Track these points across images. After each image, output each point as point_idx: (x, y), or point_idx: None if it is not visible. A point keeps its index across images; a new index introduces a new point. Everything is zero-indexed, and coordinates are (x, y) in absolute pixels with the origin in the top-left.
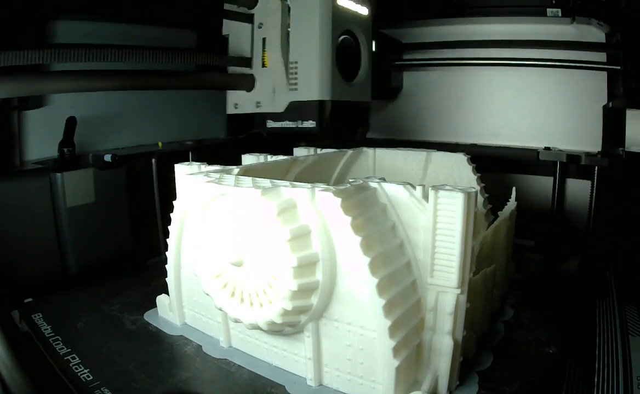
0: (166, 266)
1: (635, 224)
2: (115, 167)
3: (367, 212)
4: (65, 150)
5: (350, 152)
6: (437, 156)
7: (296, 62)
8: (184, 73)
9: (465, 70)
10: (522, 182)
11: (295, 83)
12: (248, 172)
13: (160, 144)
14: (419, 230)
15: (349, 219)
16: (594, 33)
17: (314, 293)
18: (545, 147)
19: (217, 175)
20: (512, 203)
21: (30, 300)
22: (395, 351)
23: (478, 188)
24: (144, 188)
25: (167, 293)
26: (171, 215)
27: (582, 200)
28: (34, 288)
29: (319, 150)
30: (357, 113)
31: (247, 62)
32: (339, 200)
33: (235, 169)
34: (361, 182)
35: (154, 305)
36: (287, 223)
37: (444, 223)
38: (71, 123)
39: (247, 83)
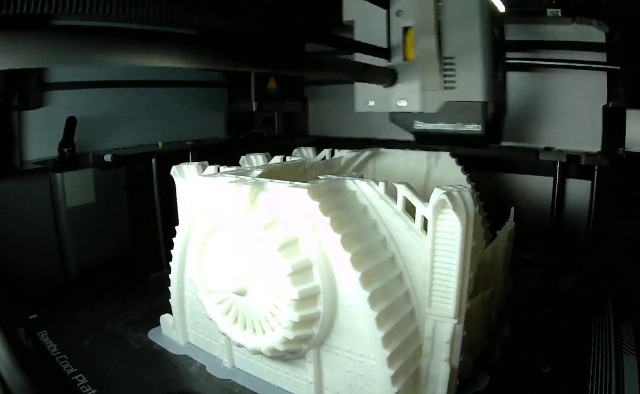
0: (170, 287)
1: (635, 228)
2: (115, 167)
3: (367, 245)
4: (65, 150)
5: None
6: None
7: (452, 58)
8: (315, 55)
9: None
10: (522, 182)
11: (453, 81)
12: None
13: (160, 144)
14: (417, 263)
15: (349, 255)
16: (594, 33)
17: (315, 323)
18: (545, 147)
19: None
20: (510, 224)
21: (34, 316)
22: (394, 379)
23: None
24: (144, 188)
25: (170, 311)
26: (174, 239)
27: (582, 201)
28: (34, 288)
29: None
30: (501, 116)
31: (385, 53)
32: (338, 236)
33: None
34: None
35: (158, 323)
36: (289, 257)
37: (443, 249)
38: (71, 123)
39: (388, 77)
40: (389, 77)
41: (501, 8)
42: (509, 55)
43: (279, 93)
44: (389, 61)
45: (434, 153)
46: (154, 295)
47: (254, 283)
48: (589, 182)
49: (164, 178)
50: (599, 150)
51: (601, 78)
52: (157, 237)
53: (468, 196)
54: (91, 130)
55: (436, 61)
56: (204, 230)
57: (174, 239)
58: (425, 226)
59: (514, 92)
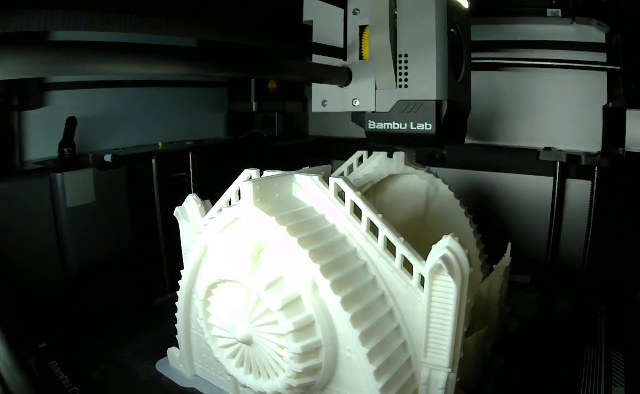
0: (176, 325)
1: (636, 229)
2: (115, 167)
3: (366, 303)
4: (65, 150)
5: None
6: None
7: (406, 55)
8: (269, 58)
9: None
10: (522, 183)
11: (406, 80)
12: None
13: (160, 144)
14: (414, 316)
15: (349, 315)
16: (594, 33)
17: (317, 373)
18: (545, 147)
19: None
20: (506, 259)
21: (44, 344)
22: None
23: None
24: (144, 188)
25: (176, 342)
26: (179, 282)
27: (582, 202)
28: (34, 288)
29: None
30: (462, 116)
31: (340, 52)
32: (339, 298)
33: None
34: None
35: (164, 353)
36: (291, 316)
37: (438, 308)
38: (71, 123)
39: (343, 77)
40: (344, 77)
41: (464, 4)
42: (506, 55)
43: (279, 93)
44: (345, 61)
45: (432, 185)
46: (159, 321)
47: (259, 335)
48: (589, 182)
49: (164, 179)
50: (599, 150)
51: (601, 79)
52: (157, 239)
53: (463, 257)
54: (91, 130)
55: (390, 58)
56: (208, 281)
57: (179, 282)
58: (422, 282)
59: (513, 92)
